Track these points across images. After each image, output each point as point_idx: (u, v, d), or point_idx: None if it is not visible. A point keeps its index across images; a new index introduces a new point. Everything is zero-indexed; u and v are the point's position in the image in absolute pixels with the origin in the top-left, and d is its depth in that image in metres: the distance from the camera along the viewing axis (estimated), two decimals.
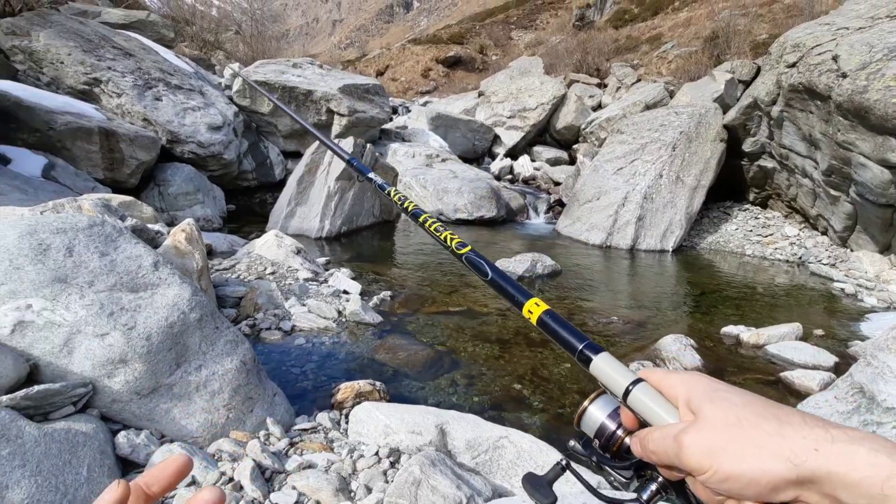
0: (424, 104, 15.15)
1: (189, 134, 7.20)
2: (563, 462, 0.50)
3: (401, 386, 2.95)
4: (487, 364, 3.30)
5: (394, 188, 0.98)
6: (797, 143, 6.45)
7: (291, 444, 2.02)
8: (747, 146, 7.27)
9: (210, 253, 4.82)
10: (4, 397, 1.63)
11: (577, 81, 13.47)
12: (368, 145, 7.11)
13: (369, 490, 1.72)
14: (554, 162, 11.10)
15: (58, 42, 6.74)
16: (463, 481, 1.78)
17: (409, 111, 13.07)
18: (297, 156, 8.62)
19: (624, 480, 0.48)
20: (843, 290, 5.41)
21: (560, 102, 11.70)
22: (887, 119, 4.86)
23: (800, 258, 6.53)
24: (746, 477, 0.35)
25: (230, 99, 8.97)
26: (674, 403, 0.44)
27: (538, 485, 0.48)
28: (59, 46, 6.71)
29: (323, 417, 2.29)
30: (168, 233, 3.29)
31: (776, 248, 6.83)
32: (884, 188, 5.27)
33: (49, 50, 6.66)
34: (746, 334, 3.82)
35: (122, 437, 1.84)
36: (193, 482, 1.74)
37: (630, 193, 7.07)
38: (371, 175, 1.08)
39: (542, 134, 12.08)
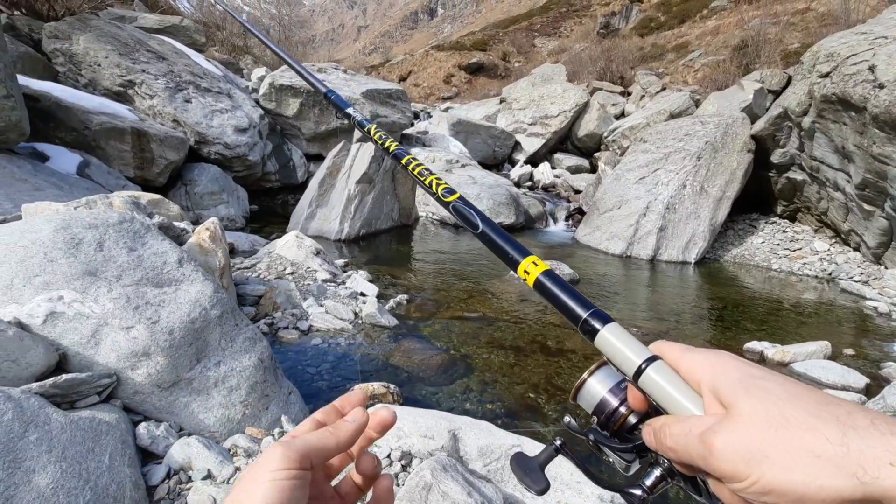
0: (446, 110, 15.22)
1: (216, 135, 7.39)
2: (557, 443, 0.45)
3: (414, 390, 2.95)
4: (502, 371, 3.28)
5: (373, 125, 0.93)
6: (829, 155, 6.26)
7: None
8: (776, 157, 7.09)
9: (232, 251, 4.93)
10: (35, 384, 1.69)
11: (601, 89, 13.36)
12: None
13: None
14: (575, 170, 11.02)
15: (96, 45, 7.01)
16: (474, 488, 1.77)
17: (431, 116, 13.16)
18: (319, 158, 8.76)
19: (624, 463, 0.43)
20: (875, 308, 5.21)
21: (582, 110, 11.62)
22: None
23: (830, 274, 6.33)
24: (797, 493, 0.29)
25: (256, 102, 9.18)
26: (696, 389, 0.38)
27: (529, 468, 0.43)
28: (97, 49, 6.97)
29: None
30: (193, 231, 3.37)
31: (805, 263, 6.63)
32: None
33: (88, 53, 6.92)
34: (771, 351, 3.71)
35: (142, 428, 1.88)
36: (209, 475, 1.77)
37: (652, 203, 6.96)
38: (349, 110, 1.00)
39: (564, 141, 12.01)
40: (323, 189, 6.86)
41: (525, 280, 0.53)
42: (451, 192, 0.67)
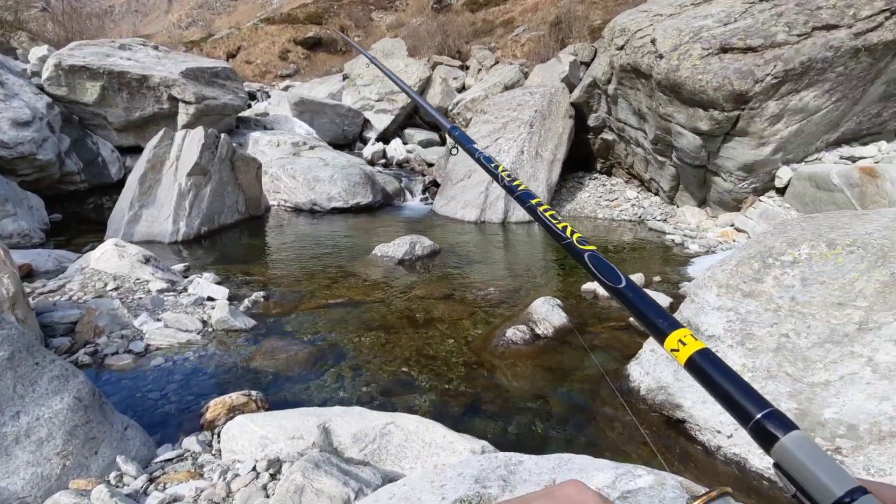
0: (286, 89, 14.22)
1: None
2: None
3: (282, 391, 2.78)
4: (373, 352, 3.26)
5: (501, 165, 0.88)
6: (630, 116, 7.36)
7: (151, 480, 1.78)
8: (591, 121, 8.11)
9: (29, 274, 4.03)
10: None
11: (441, 63, 13.72)
12: (223, 136, 6.47)
13: None
14: (426, 144, 11.25)
15: None
16: (351, 476, 1.74)
17: (269, 97, 12.16)
18: (136, 151, 7.52)
19: None
20: (673, 240, 6.38)
21: (426, 85, 11.83)
22: (695, 93, 5.76)
23: (640, 217, 7.54)
24: None
25: (40, 88, 7.47)
26: None
27: None
28: None
29: (190, 442, 2.06)
30: None
31: (621, 210, 7.80)
32: (696, 152, 6.28)
33: None
34: (601, 289, 4.31)
35: None
36: None
37: None
38: (475, 146, 0.97)
39: (412, 116, 12.14)
40: (146, 186, 5.93)
41: (675, 357, 0.45)
42: (587, 241, 0.63)
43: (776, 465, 0.37)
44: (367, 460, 1.97)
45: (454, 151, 1.16)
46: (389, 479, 1.91)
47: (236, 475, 1.75)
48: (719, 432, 2.31)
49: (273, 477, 1.75)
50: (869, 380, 2.19)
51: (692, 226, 6.76)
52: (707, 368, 0.43)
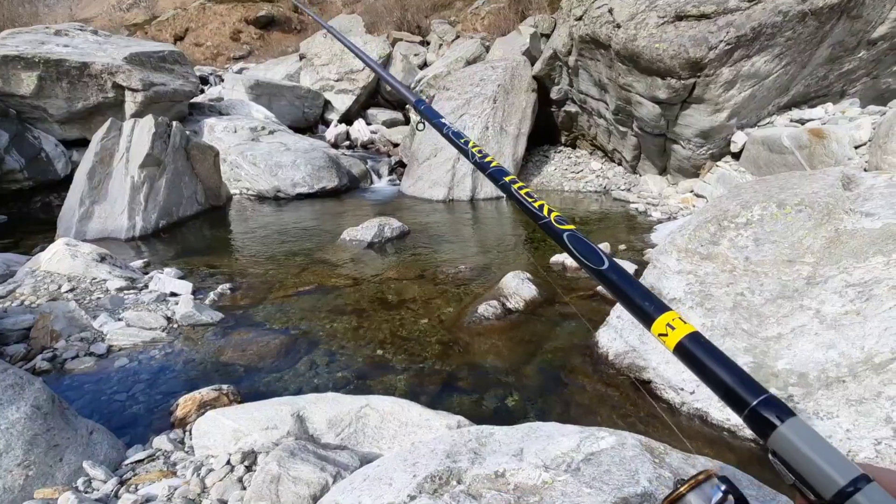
0: (240, 71, 13.63)
1: None
2: None
3: (255, 383, 2.75)
4: (346, 337, 3.25)
5: (472, 140, 0.81)
6: (591, 88, 7.40)
7: (122, 483, 1.75)
8: (554, 94, 8.12)
9: None
10: None
11: (401, 40, 13.39)
12: (175, 124, 6.17)
13: (224, 503, 1.59)
14: (390, 123, 11.05)
15: None
16: (328, 461, 1.75)
17: (223, 80, 11.64)
18: (82, 144, 7.11)
19: None
20: (637, 209, 6.53)
21: (387, 62, 11.55)
22: (653, 62, 5.83)
23: (605, 188, 7.67)
24: None
25: None
26: None
27: None
28: None
29: (161, 441, 2.02)
30: None
31: (587, 182, 7.91)
32: (656, 121, 6.39)
33: None
34: (569, 260, 4.40)
35: None
36: None
37: None
38: (442, 121, 0.89)
39: (375, 96, 11.87)
40: (96, 181, 5.63)
41: (664, 343, 0.42)
42: (565, 220, 0.56)
43: (773, 454, 0.35)
44: (344, 444, 1.98)
45: (420, 127, 1.09)
46: (368, 460, 1.92)
47: (210, 470, 1.73)
48: (682, 389, 2.43)
49: (248, 469, 1.74)
50: (817, 331, 2.33)
51: (654, 194, 6.93)
52: (698, 354, 0.40)
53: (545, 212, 0.61)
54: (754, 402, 0.36)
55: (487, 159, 0.78)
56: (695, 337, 0.41)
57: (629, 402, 2.53)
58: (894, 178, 2.95)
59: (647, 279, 3.06)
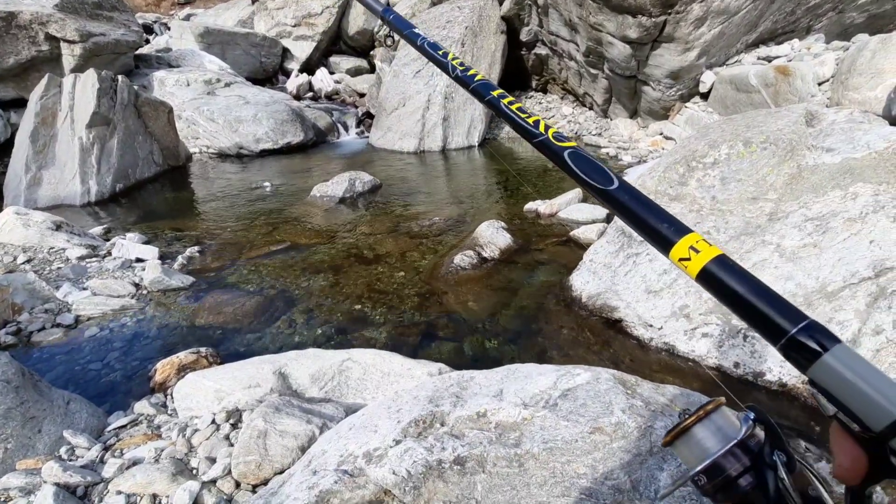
0: (187, 18, 12.61)
1: None
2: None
3: (234, 343, 2.73)
4: (324, 294, 3.24)
5: (451, 52, 0.73)
6: (561, 28, 7.17)
7: (106, 448, 1.74)
8: (523, 35, 7.85)
9: None
10: None
11: None
12: (121, 78, 5.73)
13: (213, 461, 1.61)
14: (354, 72, 10.55)
15: None
16: (314, 414, 1.79)
17: (169, 29, 10.77)
18: (20, 105, 6.56)
19: None
20: (608, 154, 6.56)
21: (347, 4, 10.85)
22: None
23: (576, 133, 7.63)
24: None
25: None
26: None
27: None
28: None
29: (142, 406, 2.02)
30: None
31: (558, 128, 7.84)
32: (626, 62, 6.29)
33: None
34: (542, 207, 4.43)
35: None
36: None
37: (432, 95, 7.19)
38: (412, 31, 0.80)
39: (336, 42, 11.23)
40: (40, 144, 5.25)
41: (685, 269, 0.38)
42: (565, 138, 0.49)
43: (812, 383, 0.32)
44: (328, 397, 2.02)
45: (389, 42, 0.98)
46: (353, 411, 1.97)
47: (196, 430, 1.75)
48: (651, 325, 2.54)
49: (234, 427, 1.76)
50: (777, 264, 2.45)
51: (625, 138, 6.94)
52: (726, 279, 0.36)
53: (542, 128, 0.53)
54: (793, 330, 0.33)
55: (471, 73, 0.69)
56: (721, 260, 0.37)
57: (602, 339, 2.64)
58: (854, 114, 3.02)
59: (619, 223, 3.12)
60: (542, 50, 7.96)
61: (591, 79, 7.24)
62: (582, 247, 3.65)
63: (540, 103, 8.37)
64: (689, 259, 0.39)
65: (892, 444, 0.29)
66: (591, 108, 7.95)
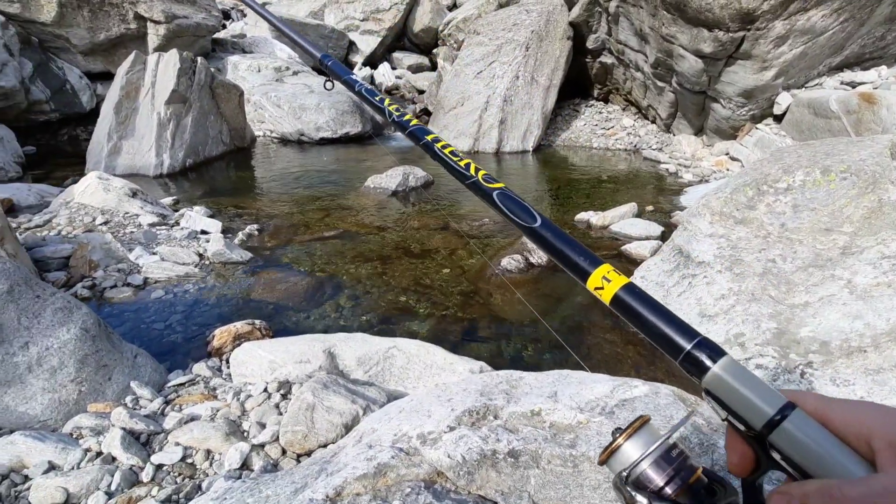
0: (263, 6, 13.17)
1: None
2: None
3: (284, 320, 2.85)
4: (371, 282, 3.32)
5: (388, 98, 0.82)
6: (631, 38, 7.01)
7: (167, 402, 1.87)
8: (590, 43, 7.72)
9: (11, 210, 3.94)
10: None
11: None
12: (200, 59, 6.08)
13: (263, 426, 1.70)
14: (416, 69, 10.72)
15: None
16: (358, 395, 1.84)
17: (245, 16, 11.31)
18: (107, 77, 7.08)
19: None
20: (667, 170, 6.35)
21: (414, 2, 11.03)
22: (701, 11, 5.46)
23: (635, 146, 7.44)
24: None
25: None
26: (854, 445, 0.31)
27: None
28: None
29: (200, 368, 2.14)
30: None
31: (617, 139, 7.66)
32: (697, 76, 6.07)
33: None
34: (595, 218, 4.35)
35: None
36: (52, 467, 1.55)
37: (491, 97, 7.20)
38: (351, 77, 0.87)
39: (401, 38, 11.45)
40: (123, 116, 5.66)
41: (599, 296, 0.42)
42: (494, 179, 0.56)
43: (706, 392, 0.37)
44: (371, 381, 2.08)
45: (329, 86, 1.05)
46: (394, 397, 2.02)
47: (249, 396, 1.84)
48: None
49: (284, 397, 1.85)
50: (846, 301, 2.31)
51: (687, 155, 6.70)
52: (634, 304, 0.41)
53: (472, 171, 0.58)
54: (689, 346, 0.37)
55: (406, 118, 0.76)
56: (630, 288, 0.42)
57: (648, 361, 2.57)
58: None
59: (676, 241, 3.02)
60: (607, 58, 7.80)
61: (657, 91, 7.03)
62: (633, 262, 3.56)
63: (600, 112, 8.21)
64: (602, 288, 0.43)
65: (770, 440, 0.33)
66: (653, 122, 7.72)
